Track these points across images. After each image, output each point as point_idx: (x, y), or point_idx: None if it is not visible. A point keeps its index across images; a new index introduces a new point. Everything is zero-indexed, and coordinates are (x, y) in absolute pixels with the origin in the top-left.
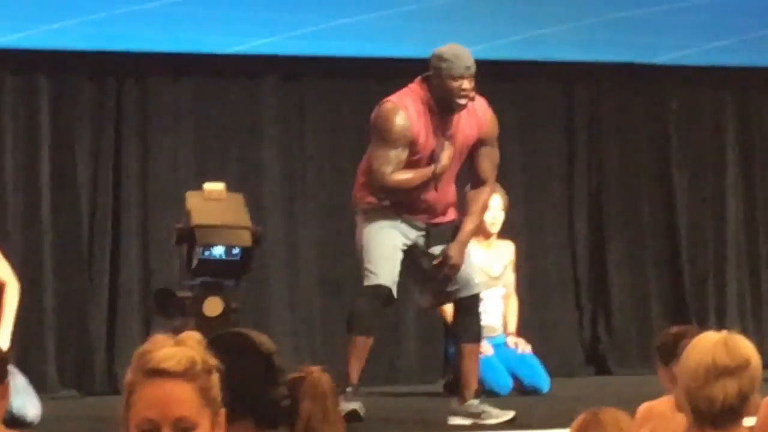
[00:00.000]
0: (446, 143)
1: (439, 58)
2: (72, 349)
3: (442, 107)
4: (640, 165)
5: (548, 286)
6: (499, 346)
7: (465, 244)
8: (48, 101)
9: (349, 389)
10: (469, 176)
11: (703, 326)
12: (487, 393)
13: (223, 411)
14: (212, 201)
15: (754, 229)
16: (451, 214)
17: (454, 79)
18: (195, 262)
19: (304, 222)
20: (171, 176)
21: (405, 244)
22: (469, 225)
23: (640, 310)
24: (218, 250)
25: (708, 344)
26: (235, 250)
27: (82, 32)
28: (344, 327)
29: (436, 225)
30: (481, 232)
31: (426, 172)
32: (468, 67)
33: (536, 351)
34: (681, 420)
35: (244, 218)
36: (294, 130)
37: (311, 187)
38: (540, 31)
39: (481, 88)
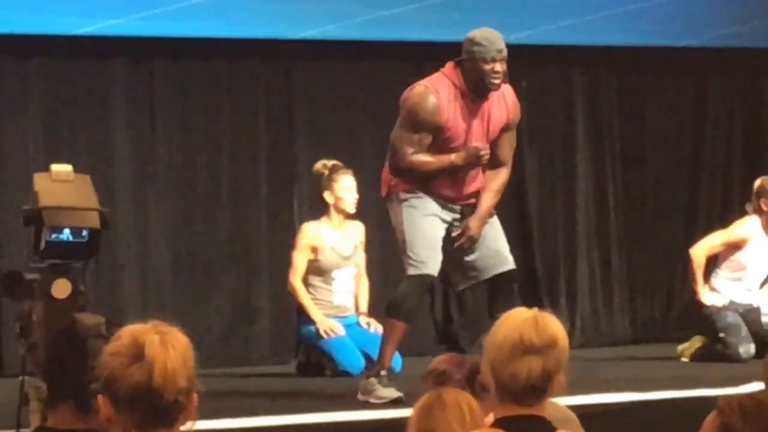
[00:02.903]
0: (471, 146)
1: (472, 42)
2: None
3: (475, 91)
4: None
5: (400, 267)
6: (351, 326)
7: (484, 218)
8: None
9: (383, 373)
10: (489, 158)
11: (555, 305)
12: (340, 373)
13: None
14: (60, 182)
15: (604, 209)
16: (477, 186)
17: (486, 62)
18: (43, 244)
19: (156, 204)
20: (19, 158)
21: (444, 229)
22: (488, 201)
23: None
24: (66, 232)
25: (517, 321)
26: (84, 232)
27: None
28: (195, 310)
29: (469, 205)
30: (339, 212)
31: (445, 160)
32: (500, 50)
33: None
34: None
35: (92, 200)
36: (144, 112)
37: (161, 169)
38: (388, 11)
39: (333, 68)
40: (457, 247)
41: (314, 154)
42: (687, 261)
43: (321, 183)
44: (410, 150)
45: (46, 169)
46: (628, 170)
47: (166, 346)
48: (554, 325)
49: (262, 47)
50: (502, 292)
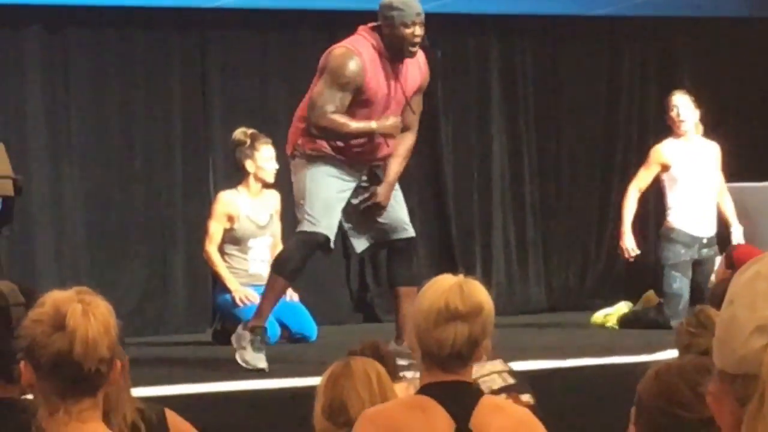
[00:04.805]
0: (392, 117)
1: (389, 7)
2: None
3: (393, 54)
4: None
5: None
6: None
7: (392, 184)
8: None
9: (258, 331)
10: None
11: (471, 273)
12: None
13: None
14: None
15: (519, 177)
16: (389, 152)
17: (407, 26)
18: None
19: (70, 172)
20: None
21: (349, 189)
22: (395, 167)
23: None
24: None
25: (443, 287)
26: None
27: None
28: (110, 278)
29: (377, 165)
30: (258, 181)
31: (365, 125)
32: (419, 14)
33: (304, 300)
34: None
35: (5, 167)
36: (58, 80)
37: (76, 138)
38: None
39: (248, 37)
40: (363, 211)
41: (229, 123)
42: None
43: (242, 151)
44: (331, 108)
45: None
46: (543, 139)
47: (87, 316)
48: (480, 292)
49: (176, 16)
50: (401, 258)
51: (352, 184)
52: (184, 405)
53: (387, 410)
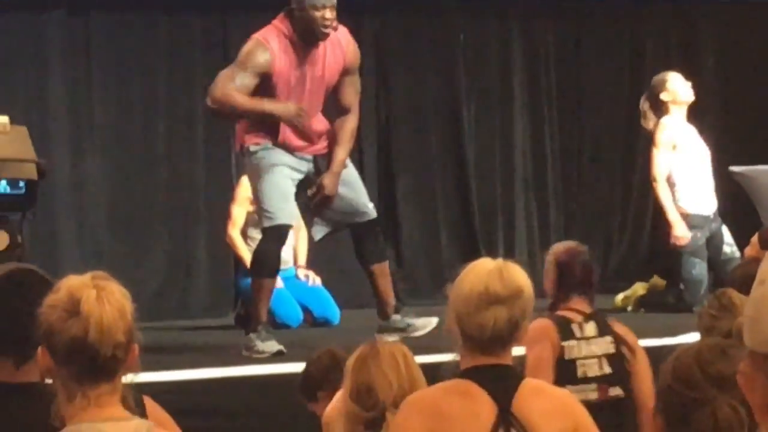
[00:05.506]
0: (291, 104)
1: None
2: None
3: (306, 39)
4: (429, 98)
5: None
6: (290, 279)
7: (338, 173)
8: None
9: (260, 328)
10: (333, 106)
11: (493, 257)
12: (278, 326)
13: None
14: None
15: (541, 161)
16: (327, 143)
17: (317, 9)
18: None
19: (92, 156)
20: None
21: (297, 178)
22: (340, 154)
23: (429, 242)
24: (3, 184)
25: (483, 271)
26: (21, 183)
27: None
28: (133, 262)
29: (322, 156)
30: None
31: (259, 105)
32: None
33: (326, 283)
34: None
35: (28, 151)
36: (80, 64)
37: (98, 121)
38: None
39: (270, 19)
40: (314, 205)
41: None
42: (653, 191)
43: None
44: (229, 85)
45: None
46: (565, 121)
47: (102, 301)
48: (519, 275)
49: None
50: (367, 237)
51: (301, 169)
52: (206, 389)
53: (430, 395)
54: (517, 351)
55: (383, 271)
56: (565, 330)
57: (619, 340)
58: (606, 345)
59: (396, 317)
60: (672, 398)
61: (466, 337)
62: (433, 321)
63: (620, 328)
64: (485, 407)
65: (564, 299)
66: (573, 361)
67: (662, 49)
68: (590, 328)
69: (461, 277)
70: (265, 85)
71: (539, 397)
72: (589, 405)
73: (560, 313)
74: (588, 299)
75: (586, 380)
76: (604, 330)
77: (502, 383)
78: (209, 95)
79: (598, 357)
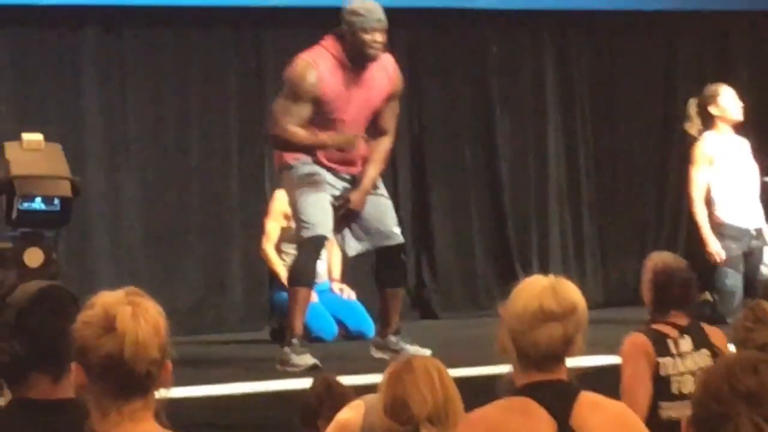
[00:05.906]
0: (346, 134)
1: (351, 12)
2: None
3: (355, 61)
4: (462, 110)
5: None
6: (324, 293)
7: (366, 191)
8: None
9: (295, 341)
10: (371, 126)
11: (527, 269)
12: (313, 339)
13: None
14: (31, 151)
15: (575, 172)
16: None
17: (367, 32)
18: (15, 212)
19: (126, 173)
20: None
21: (334, 194)
22: (371, 172)
23: (463, 254)
24: (38, 201)
25: (536, 289)
26: (55, 201)
27: None
28: (167, 278)
29: (360, 175)
30: None
31: (316, 140)
32: (380, 20)
33: (361, 297)
34: None
35: (63, 168)
36: (115, 81)
37: (132, 138)
38: None
39: (304, 35)
40: (338, 215)
41: None
42: (689, 206)
43: None
44: (287, 119)
45: (17, 138)
46: (599, 134)
47: (137, 318)
48: (572, 291)
49: (231, 14)
50: (389, 262)
51: (339, 186)
52: (241, 404)
53: (488, 414)
54: (572, 362)
55: (396, 294)
56: (661, 346)
57: (716, 353)
58: (702, 358)
59: (392, 338)
60: (701, 412)
61: (521, 354)
62: (426, 353)
63: (717, 339)
64: (544, 423)
65: (661, 314)
66: (668, 378)
67: (696, 60)
68: (686, 343)
69: (514, 294)
70: (318, 108)
71: (597, 410)
72: None
73: (656, 327)
74: (686, 312)
75: (681, 397)
76: (700, 343)
77: (558, 399)
78: (270, 133)
79: (694, 372)
